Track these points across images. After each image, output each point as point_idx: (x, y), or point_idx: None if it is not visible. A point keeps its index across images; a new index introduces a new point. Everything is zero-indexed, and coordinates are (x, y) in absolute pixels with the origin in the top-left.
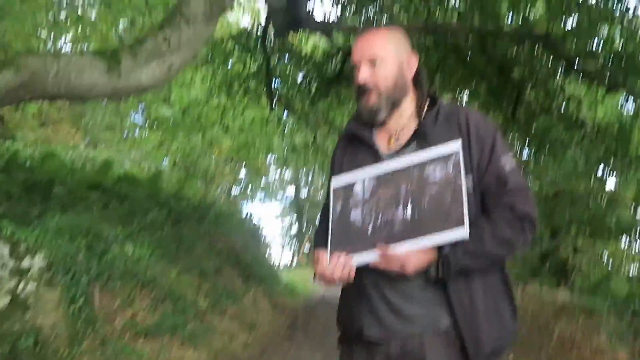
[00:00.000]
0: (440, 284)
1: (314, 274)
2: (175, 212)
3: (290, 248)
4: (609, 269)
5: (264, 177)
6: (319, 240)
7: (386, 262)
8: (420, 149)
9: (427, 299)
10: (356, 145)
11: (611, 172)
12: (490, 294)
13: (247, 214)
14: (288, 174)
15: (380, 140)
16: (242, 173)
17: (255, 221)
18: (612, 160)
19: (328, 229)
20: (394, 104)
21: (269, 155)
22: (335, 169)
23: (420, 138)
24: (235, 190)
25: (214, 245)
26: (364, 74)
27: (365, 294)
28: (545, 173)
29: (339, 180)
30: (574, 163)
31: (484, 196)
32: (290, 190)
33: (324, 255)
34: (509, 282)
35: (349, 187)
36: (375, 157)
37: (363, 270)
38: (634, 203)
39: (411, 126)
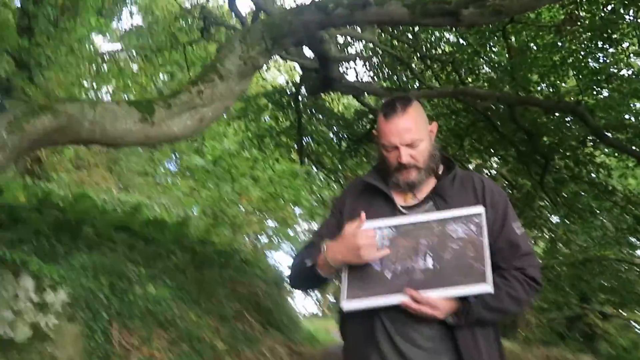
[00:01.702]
0: (448, 333)
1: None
2: (200, 256)
3: (314, 298)
4: (638, 337)
5: (290, 229)
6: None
7: (418, 305)
8: (437, 206)
9: (434, 347)
10: (371, 196)
11: None
12: (490, 347)
13: (271, 263)
14: (315, 226)
15: (397, 196)
16: (270, 223)
17: (279, 270)
18: None
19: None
20: (430, 172)
21: (297, 209)
22: (346, 213)
23: (438, 196)
24: (262, 240)
25: (235, 290)
26: (407, 157)
27: (374, 339)
28: (574, 239)
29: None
30: (604, 230)
31: (494, 256)
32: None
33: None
34: (500, 338)
35: None
36: (393, 209)
37: (372, 316)
38: None
39: (428, 186)
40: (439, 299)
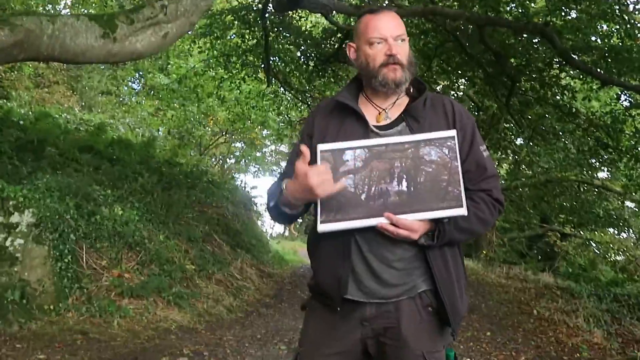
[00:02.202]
0: (421, 254)
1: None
2: (167, 177)
3: None
4: (595, 256)
5: (258, 151)
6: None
7: (395, 228)
8: (409, 127)
9: (407, 268)
10: (342, 116)
11: (602, 164)
12: (457, 266)
13: (239, 184)
14: (283, 148)
15: (368, 115)
16: (237, 145)
17: (247, 192)
18: (603, 151)
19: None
20: (409, 78)
21: (264, 130)
22: (316, 134)
23: (410, 117)
24: (229, 162)
25: (203, 212)
26: (396, 47)
27: (348, 259)
28: (537, 161)
29: (328, 145)
30: (566, 152)
31: (462, 177)
32: (284, 165)
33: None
34: (463, 257)
35: (338, 153)
36: (365, 129)
37: (346, 236)
38: (623, 194)
39: (400, 106)
40: (415, 221)
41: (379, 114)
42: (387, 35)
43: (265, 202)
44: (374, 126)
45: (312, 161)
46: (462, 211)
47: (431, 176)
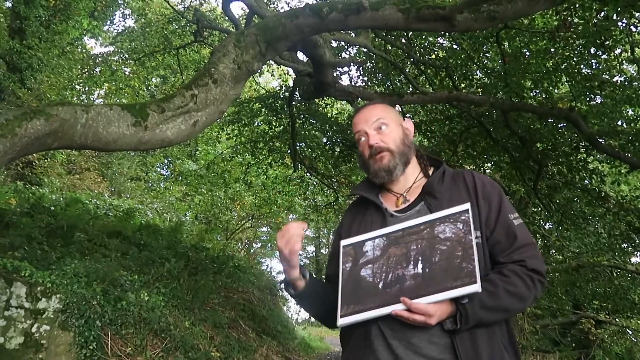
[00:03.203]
0: (446, 338)
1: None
2: (194, 263)
3: None
4: (632, 344)
5: None
6: None
7: (409, 314)
8: (428, 205)
9: (432, 352)
10: (364, 207)
11: (635, 248)
12: (494, 345)
13: (265, 269)
14: (309, 232)
15: (388, 203)
16: (263, 229)
17: (273, 277)
18: (635, 236)
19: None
20: (406, 161)
21: (290, 214)
22: (344, 232)
23: (428, 195)
24: (255, 246)
25: (229, 297)
26: (374, 138)
27: (372, 346)
28: (568, 246)
29: (349, 240)
30: (597, 236)
31: (492, 250)
32: (310, 249)
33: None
34: (513, 333)
35: (359, 246)
36: (384, 216)
37: (368, 322)
38: None
39: (418, 187)
40: (430, 305)
41: (397, 199)
42: (364, 128)
43: None
44: (394, 211)
45: (337, 257)
46: (476, 287)
47: (446, 254)
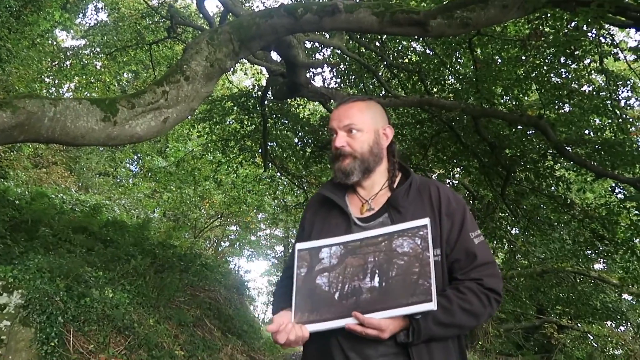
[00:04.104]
0: (404, 350)
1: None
2: (160, 260)
3: None
4: (593, 349)
5: (252, 234)
6: (278, 302)
7: (362, 328)
8: (391, 218)
9: None
10: (329, 209)
11: (598, 255)
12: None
13: (233, 268)
14: (278, 232)
15: (353, 207)
16: (232, 228)
17: (240, 276)
18: (599, 243)
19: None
20: (367, 169)
21: (260, 214)
22: (306, 229)
23: (392, 208)
24: (224, 245)
25: (195, 296)
26: (340, 141)
27: (330, 356)
28: (533, 251)
29: (305, 244)
30: (562, 243)
31: (451, 267)
32: (279, 249)
33: (279, 320)
34: (464, 348)
35: (315, 251)
36: (348, 222)
37: (328, 334)
38: (620, 287)
39: (384, 195)
40: (383, 320)
41: (362, 205)
42: (335, 127)
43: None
44: (357, 218)
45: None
46: (431, 306)
47: (403, 269)
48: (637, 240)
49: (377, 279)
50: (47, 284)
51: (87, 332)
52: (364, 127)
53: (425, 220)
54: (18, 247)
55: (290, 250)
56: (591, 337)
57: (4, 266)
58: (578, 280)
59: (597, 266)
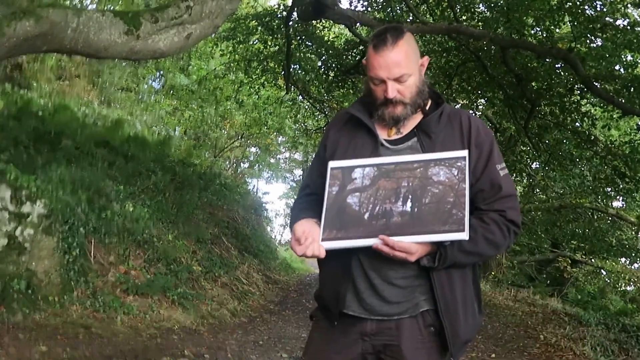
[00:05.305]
0: (424, 273)
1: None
2: (180, 177)
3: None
4: (605, 284)
5: (272, 157)
6: (297, 214)
7: (390, 249)
8: (420, 142)
9: (409, 286)
10: (354, 129)
11: (618, 193)
12: (466, 288)
13: (251, 189)
14: (297, 156)
15: (380, 129)
16: (252, 149)
17: (259, 197)
18: (619, 180)
19: (314, 206)
20: (417, 109)
21: (280, 136)
22: (329, 147)
23: (422, 132)
24: (243, 166)
25: (214, 214)
26: (393, 92)
27: (350, 274)
28: (552, 186)
29: (338, 162)
30: (582, 179)
31: (475, 197)
32: (298, 172)
33: (303, 230)
34: (479, 279)
35: (348, 170)
36: (375, 143)
37: (349, 253)
38: (637, 224)
39: (414, 119)
40: (412, 244)
41: (390, 128)
42: (385, 78)
43: (275, 210)
44: (385, 140)
45: (324, 176)
46: (463, 236)
47: (437, 197)
48: None
49: (409, 203)
50: (69, 195)
51: (107, 244)
52: (412, 71)
53: (464, 152)
54: (41, 157)
55: (306, 172)
56: (604, 273)
57: (27, 175)
58: (595, 217)
59: (615, 204)
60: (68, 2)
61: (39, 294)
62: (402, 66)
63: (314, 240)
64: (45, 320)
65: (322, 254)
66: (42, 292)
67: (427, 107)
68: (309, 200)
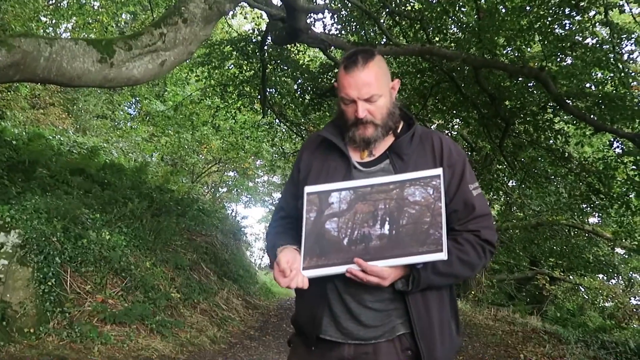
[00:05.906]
0: (399, 296)
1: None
2: (157, 204)
3: None
4: (584, 301)
5: (250, 180)
6: (274, 239)
7: (365, 275)
8: (393, 164)
9: (385, 309)
10: (327, 151)
11: (593, 209)
12: (442, 309)
13: (230, 214)
14: (275, 179)
15: (353, 151)
16: (230, 174)
17: (238, 221)
18: (594, 197)
19: (289, 230)
20: (388, 131)
21: (258, 160)
22: (302, 170)
23: (395, 154)
24: (221, 190)
25: (192, 240)
26: (363, 112)
27: (326, 298)
28: (529, 203)
29: (314, 187)
30: (557, 196)
31: (449, 217)
32: (276, 195)
33: (287, 261)
34: (455, 299)
35: (324, 195)
36: (347, 165)
37: (326, 277)
38: (613, 240)
39: (386, 142)
40: (385, 268)
41: (363, 150)
42: (355, 98)
43: (254, 234)
44: (358, 162)
45: (297, 198)
46: (442, 256)
47: (414, 218)
48: (632, 194)
49: (387, 226)
50: (45, 224)
51: (84, 273)
52: (382, 92)
53: (439, 171)
54: (15, 187)
55: (280, 195)
56: (582, 289)
57: (1, 205)
58: (572, 234)
59: (591, 220)
60: (41, 31)
61: (13, 326)
62: (372, 86)
63: (298, 272)
64: (20, 352)
65: (306, 285)
66: (17, 324)
67: (399, 129)
68: (284, 224)
